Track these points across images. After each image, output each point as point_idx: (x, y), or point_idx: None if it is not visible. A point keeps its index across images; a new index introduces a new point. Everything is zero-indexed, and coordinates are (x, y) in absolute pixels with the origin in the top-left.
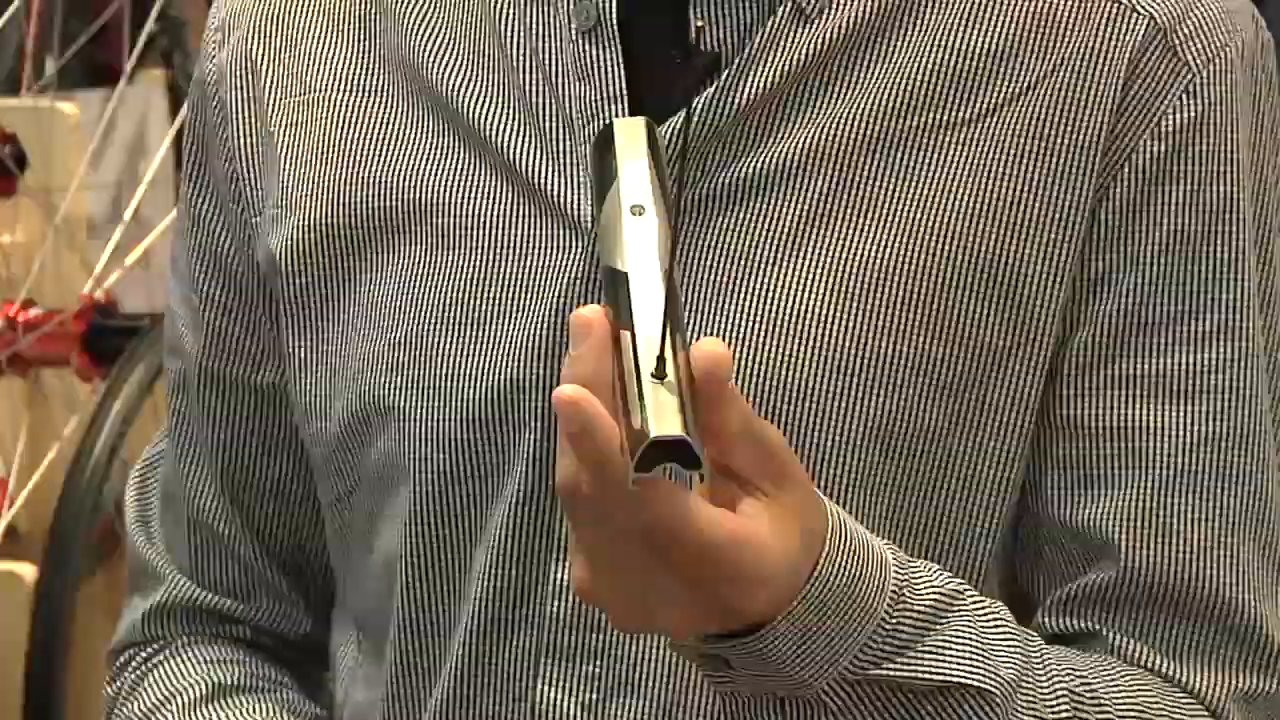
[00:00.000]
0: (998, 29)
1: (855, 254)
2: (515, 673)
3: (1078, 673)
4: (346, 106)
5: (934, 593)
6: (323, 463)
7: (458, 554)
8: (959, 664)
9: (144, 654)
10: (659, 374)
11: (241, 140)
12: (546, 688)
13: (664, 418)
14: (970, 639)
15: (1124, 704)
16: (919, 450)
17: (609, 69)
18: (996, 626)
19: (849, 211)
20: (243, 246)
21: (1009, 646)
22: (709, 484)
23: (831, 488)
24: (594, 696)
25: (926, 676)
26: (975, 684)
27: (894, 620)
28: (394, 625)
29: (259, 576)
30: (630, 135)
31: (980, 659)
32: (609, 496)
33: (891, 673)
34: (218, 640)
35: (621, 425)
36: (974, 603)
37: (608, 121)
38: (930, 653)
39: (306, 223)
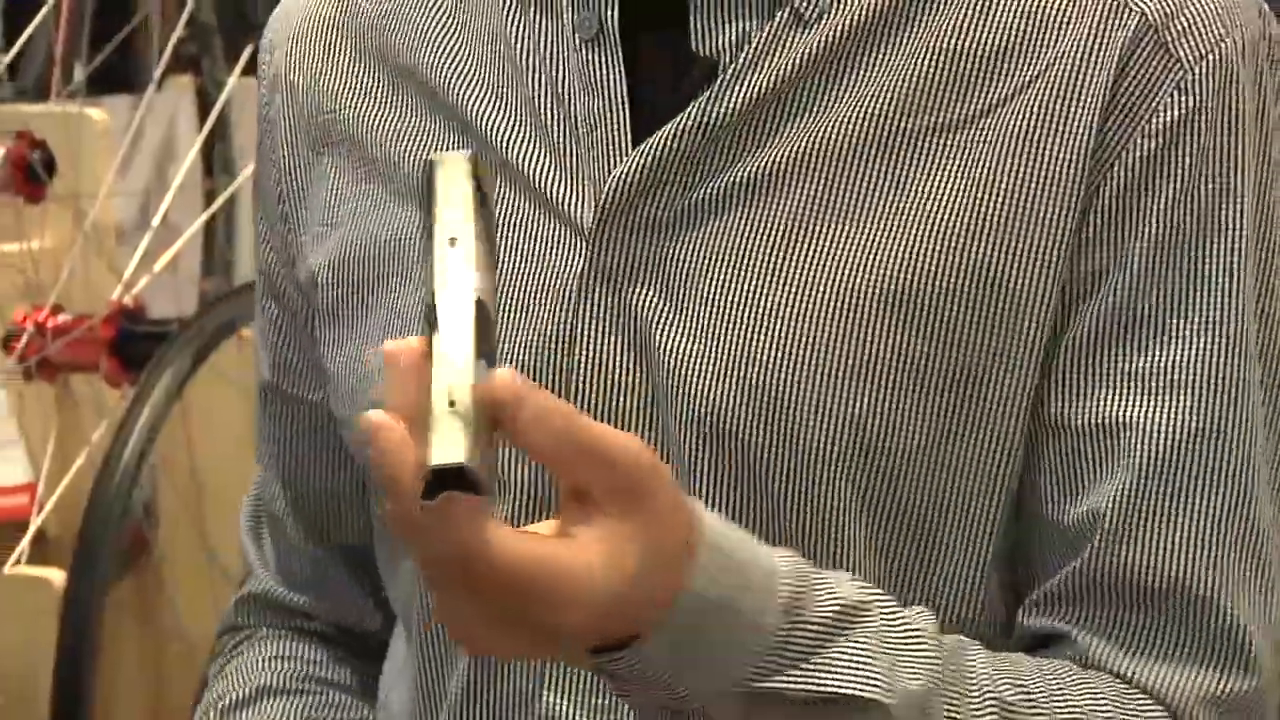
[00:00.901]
0: (991, 31)
1: (845, 257)
2: (520, 678)
3: (1019, 682)
4: (370, 121)
5: (836, 604)
6: (364, 468)
7: None
8: (856, 677)
9: (234, 641)
10: (452, 405)
11: (285, 162)
12: (551, 694)
13: (446, 446)
14: (872, 651)
15: (1066, 712)
16: (907, 452)
17: (611, 77)
18: (908, 637)
19: (841, 215)
20: (288, 266)
21: (921, 657)
22: (559, 509)
23: (819, 488)
24: (600, 702)
25: (819, 689)
26: (872, 697)
27: (785, 632)
28: (416, 626)
29: (329, 577)
30: (450, 169)
31: (881, 672)
32: (406, 524)
33: (783, 686)
34: (291, 634)
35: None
36: (884, 612)
37: (429, 159)
38: (825, 665)
39: (342, 240)
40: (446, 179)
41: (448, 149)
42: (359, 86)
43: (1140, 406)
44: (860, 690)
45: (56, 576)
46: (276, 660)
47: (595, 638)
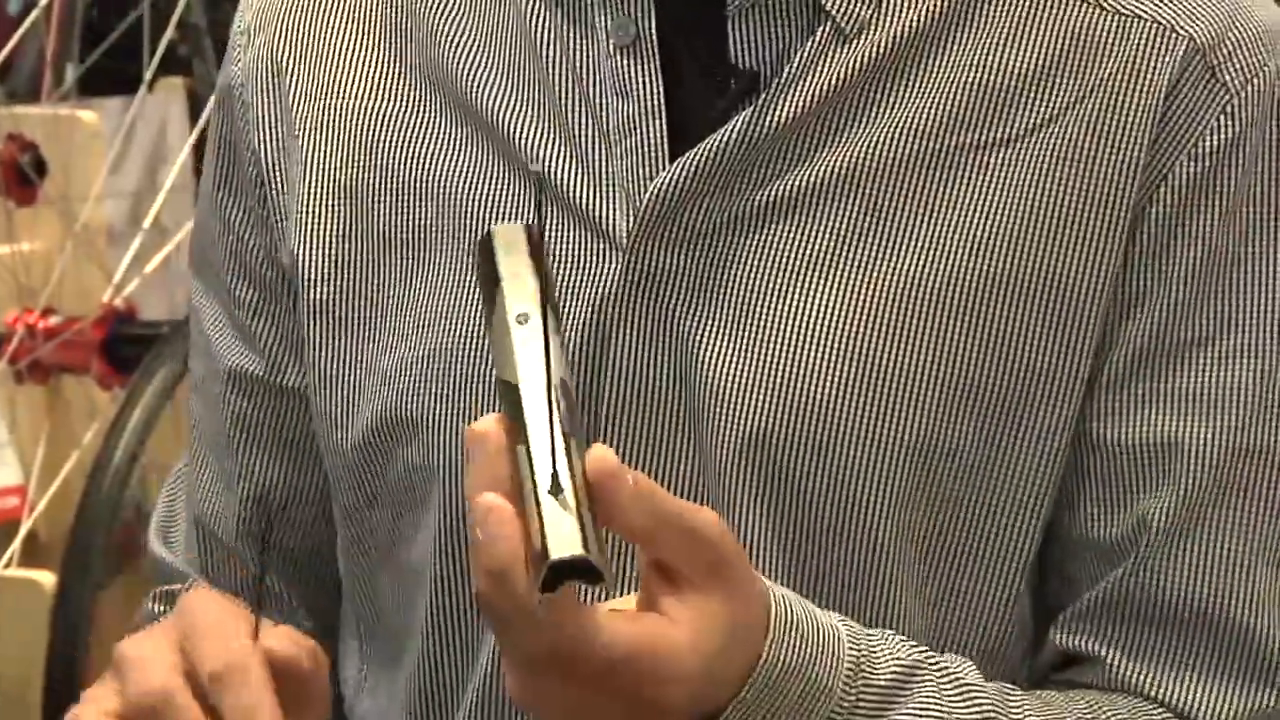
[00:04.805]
0: (1036, 49)
1: (890, 274)
2: None
3: None
4: (375, 113)
5: (894, 665)
6: (341, 472)
7: None
8: None
9: (160, 608)
10: (554, 490)
11: (266, 145)
12: None
13: (561, 538)
14: (933, 710)
15: None
16: (953, 469)
17: (647, 85)
18: (961, 693)
19: (885, 231)
20: (269, 250)
21: (976, 712)
22: (641, 584)
23: (861, 508)
24: None
25: None
26: None
27: (853, 697)
28: (420, 639)
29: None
30: (510, 242)
31: None
32: (512, 614)
33: None
34: None
35: (525, 544)
36: (937, 671)
37: (487, 231)
38: None
39: (331, 229)
40: (507, 252)
41: (463, 147)
42: (365, 77)
43: (1183, 427)
44: None
45: (47, 579)
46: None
47: (685, 715)
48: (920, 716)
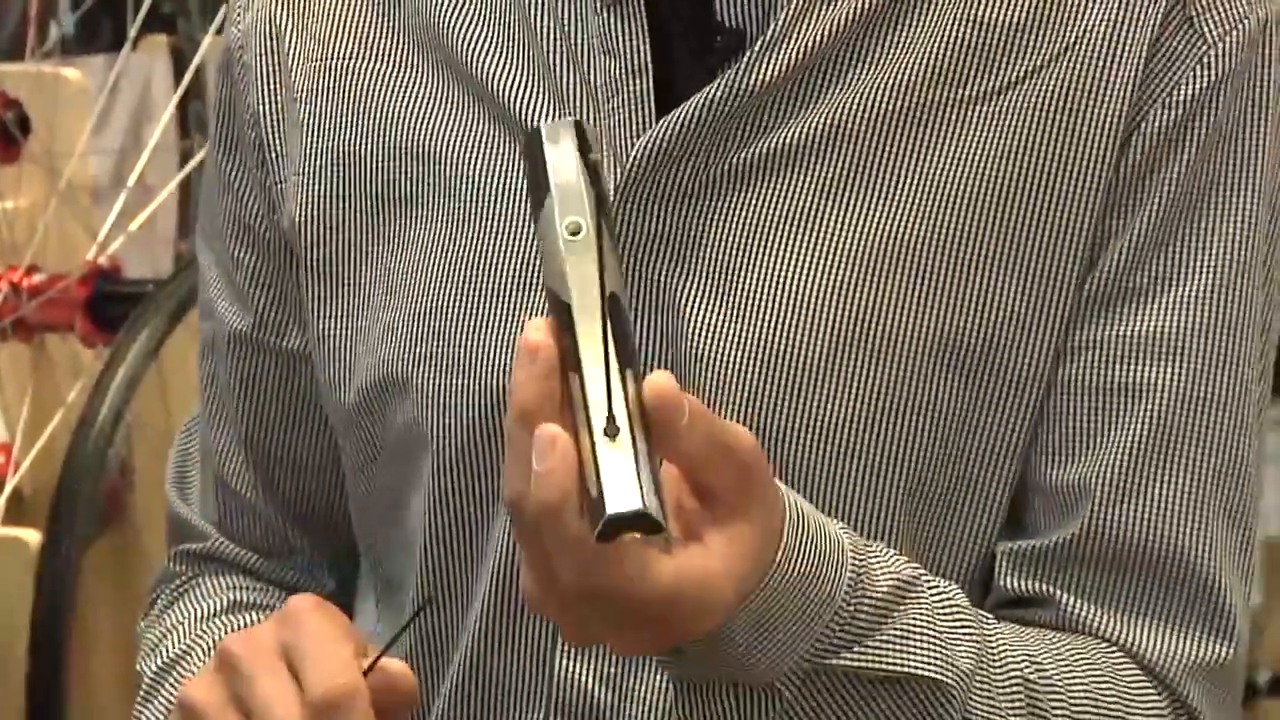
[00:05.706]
0: (1019, 2)
1: (873, 228)
2: (532, 644)
3: (1032, 658)
4: (370, 74)
5: (891, 579)
6: (344, 431)
7: (477, 524)
8: (916, 654)
9: (171, 587)
10: (610, 432)
11: (264, 106)
12: (564, 660)
13: (619, 489)
14: (928, 629)
15: (1078, 691)
16: (934, 424)
17: (633, 43)
18: (953, 615)
19: (868, 186)
20: (269, 212)
21: (966, 635)
22: (676, 505)
23: (844, 463)
24: (612, 670)
25: (884, 667)
26: (933, 675)
27: (851, 607)
28: (413, 595)
29: (282, 539)
30: (559, 141)
31: (938, 649)
32: (561, 550)
33: (849, 662)
34: (245, 574)
35: (580, 479)
36: (930, 589)
37: (534, 126)
38: (888, 642)
39: (328, 191)
40: (555, 152)
41: (455, 107)
42: (360, 38)
43: (1138, 371)
44: (926, 669)
45: (32, 536)
46: (243, 589)
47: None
48: (914, 631)
